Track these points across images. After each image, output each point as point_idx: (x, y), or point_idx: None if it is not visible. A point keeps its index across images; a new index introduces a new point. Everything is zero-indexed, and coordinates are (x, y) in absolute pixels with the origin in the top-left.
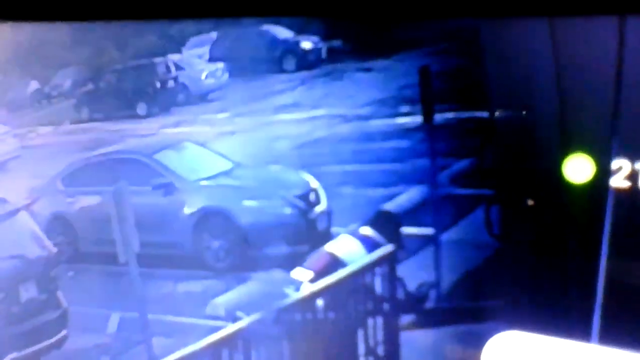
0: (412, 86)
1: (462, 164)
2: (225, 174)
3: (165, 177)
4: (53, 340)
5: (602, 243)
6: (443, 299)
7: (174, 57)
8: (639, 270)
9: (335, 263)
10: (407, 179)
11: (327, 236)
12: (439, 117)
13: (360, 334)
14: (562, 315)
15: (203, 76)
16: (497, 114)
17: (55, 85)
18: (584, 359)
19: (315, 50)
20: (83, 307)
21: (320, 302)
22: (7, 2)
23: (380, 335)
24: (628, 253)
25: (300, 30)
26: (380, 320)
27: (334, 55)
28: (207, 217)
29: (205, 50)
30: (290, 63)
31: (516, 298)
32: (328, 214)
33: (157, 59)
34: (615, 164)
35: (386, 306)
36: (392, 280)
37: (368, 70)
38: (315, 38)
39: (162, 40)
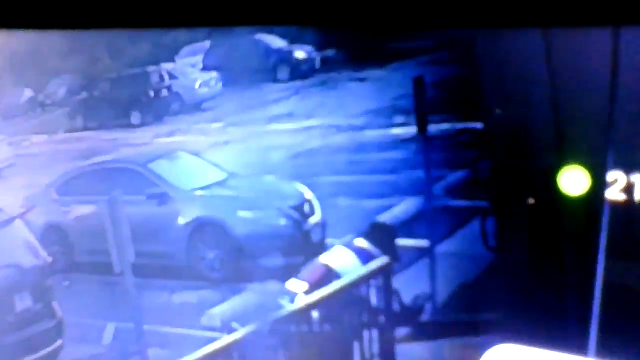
0: (407, 97)
1: (457, 176)
2: (220, 184)
3: (160, 187)
4: (48, 350)
5: (598, 256)
6: (439, 312)
7: (167, 66)
8: (636, 283)
9: (330, 275)
10: (402, 191)
11: (322, 248)
12: (433, 128)
13: (356, 346)
14: (558, 328)
15: (197, 85)
16: (491, 124)
17: (49, 93)
18: None
19: (309, 60)
20: (78, 317)
21: (315, 314)
22: (1, 10)
23: (375, 348)
24: (625, 266)
25: (294, 40)
26: (375, 332)
27: (328, 65)
28: (202, 228)
29: (198, 59)
30: (284, 73)
31: (512, 311)
32: (323, 225)
33: (151, 68)
34: (610, 176)
35: (382, 318)
36: (388, 292)
37: (362, 80)
38: (309, 48)
39: (156, 49)
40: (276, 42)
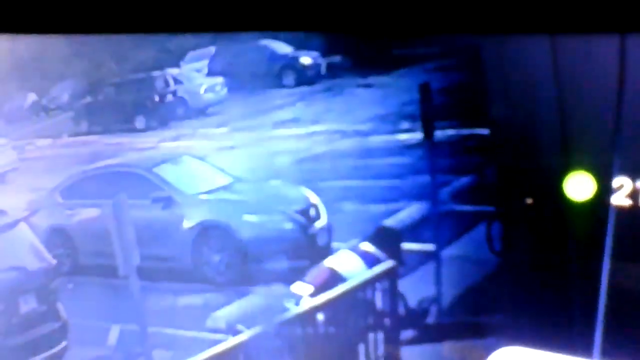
0: (413, 103)
1: (462, 181)
2: (225, 188)
3: (165, 191)
4: (53, 351)
5: (603, 260)
6: (444, 315)
7: (172, 71)
8: None
9: (335, 278)
10: (408, 195)
11: (328, 251)
12: (439, 134)
13: (361, 349)
14: (563, 331)
15: (202, 90)
16: (497, 130)
17: (53, 97)
18: None
19: (315, 66)
20: (83, 319)
21: (321, 317)
22: (6, 14)
23: (381, 350)
24: (630, 270)
25: (299, 46)
26: (381, 335)
27: (333, 71)
28: (207, 231)
29: (203, 64)
30: (289, 78)
31: (517, 314)
32: (328, 229)
33: (156, 73)
34: (616, 181)
35: (387, 321)
36: (393, 295)
37: (368, 86)
38: (315, 53)
39: (161, 54)
40: (282, 47)
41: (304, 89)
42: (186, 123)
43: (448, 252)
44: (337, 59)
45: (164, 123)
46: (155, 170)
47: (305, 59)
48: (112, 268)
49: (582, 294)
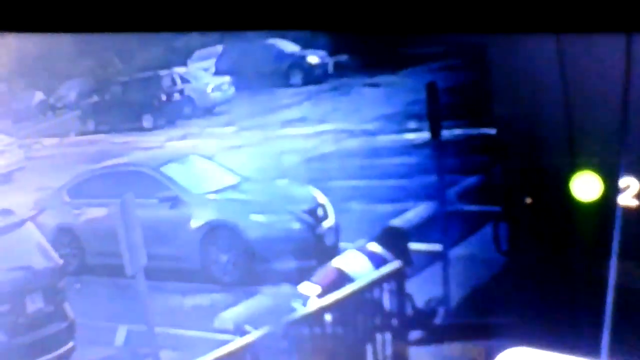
0: (420, 102)
1: (470, 181)
2: (233, 187)
3: (172, 190)
4: (60, 351)
5: (610, 260)
6: (451, 315)
7: (179, 69)
8: None
9: (342, 278)
10: (415, 195)
11: (335, 251)
12: (446, 134)
13: (368, 349)
14: (570, 331)
15: (209, 89)
16: (504, 130)
17: (60, 96)
18: None
19: (322, 65)
20: (90, 319)
21: (328, 317)
22: (13, 13)
23: (388, 351)
24: (637, 270)
25: (306, 45)
26: (388, 335)
27: (340, 70)
28: (214, 231)
29: (211, 63)
30: (296, 77)
31: (524, 314)
32: (336, 229)
33: (163, 72)
34: (623, 181)
35: (394, 322)
36: (401, 296)
37: (375, 85)
38: (322, 52)
39: (168, 52)
40: (289, 46)
41: (311, 88)
42: (193, 122)
43: (455, 252)
44: (344, 58)
45: (171, 122)
46: (163, 169)
47: (313, 58)
48: (119, 268)
49: (589, 295)
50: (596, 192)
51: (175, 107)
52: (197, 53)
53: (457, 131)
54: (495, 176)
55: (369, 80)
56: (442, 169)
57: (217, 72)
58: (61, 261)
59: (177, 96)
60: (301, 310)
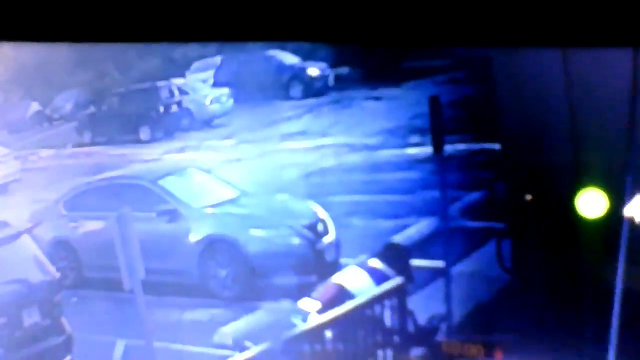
0: (423, 116)
1: (473, 197)
2: (232, 201)
3: (170, 204)
4: None
5: (615, 277)
6: (454, 332)
7: (177, 81)
8: None
9: (343, 295)
10: (417, 211)
11: (335, 267)
12: (449, 148)
13: None
14: (574, 349)
15: (207, 101)
16: (508, 145)
17: (56, 107)
18: None
19: (323, 77)
20: (88, 334)
21: (328, 333)
22: (9, 23)
23: None
24: None
25: (307, 56)
26: (390, 352)
27: (341, 83)
28: (213, 245)
29: (209, 74)
30: (296, 90)
31: (528, 332)
32: (336, 244)
33: (161, 83)
34: (629, 198)
35: (396, 338)
36: (402, 312)
37: (377, 98)
38: (323, 64)
39: (166, 63)
40: (289, 58)
41: (312, 100)
42: (191, 134)
43: (458, 269)
44: (345, 70)
45: (169, 134)
46: (161, 182)
47: (313, 70)
48: (117, 282)
49: (594, 312)
50: (601, 209)
51: (173, 119)
52: (196, 64)
53: (461, 146)
54: (498, 192)
55: (370, 93)
56: (444, 185)
57: (216, 84)
58: (58, 274)
59: (175, 108)
60: (301, 326)
